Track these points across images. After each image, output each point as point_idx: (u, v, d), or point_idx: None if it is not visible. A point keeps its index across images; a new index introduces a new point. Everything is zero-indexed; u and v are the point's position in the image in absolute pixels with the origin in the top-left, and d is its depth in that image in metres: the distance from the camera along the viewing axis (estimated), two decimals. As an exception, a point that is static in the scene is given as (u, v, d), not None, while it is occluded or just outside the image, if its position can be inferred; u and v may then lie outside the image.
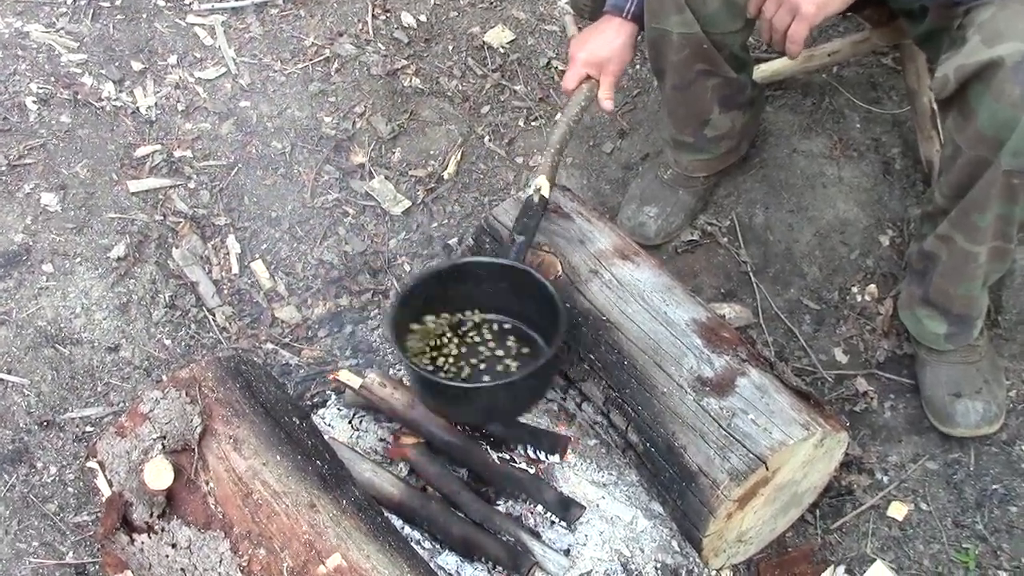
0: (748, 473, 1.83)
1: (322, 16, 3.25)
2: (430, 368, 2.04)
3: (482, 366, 2.07)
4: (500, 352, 2.09)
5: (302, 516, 1.69)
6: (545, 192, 2.10)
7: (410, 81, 3.11)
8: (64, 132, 2.85)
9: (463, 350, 2.10)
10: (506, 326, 2.14)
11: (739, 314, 2.55)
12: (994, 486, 2.25)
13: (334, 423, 2.22)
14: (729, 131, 2.56)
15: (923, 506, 2.25)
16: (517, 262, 2.03)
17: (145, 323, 2.54)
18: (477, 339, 2.12)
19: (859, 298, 2.58)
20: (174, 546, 1.70)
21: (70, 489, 2.24)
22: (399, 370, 2.42)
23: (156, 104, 2.98)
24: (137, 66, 3.06)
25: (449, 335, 2.11)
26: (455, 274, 2.09)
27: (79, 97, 2.93)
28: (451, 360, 2.07)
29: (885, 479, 2.30)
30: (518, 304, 2.10)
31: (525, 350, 2.10)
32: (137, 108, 2.96)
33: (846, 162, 2.76)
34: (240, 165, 2.89)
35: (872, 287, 2.59)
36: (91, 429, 2.34)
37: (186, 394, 1.82)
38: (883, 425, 2.39)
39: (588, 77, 2.24)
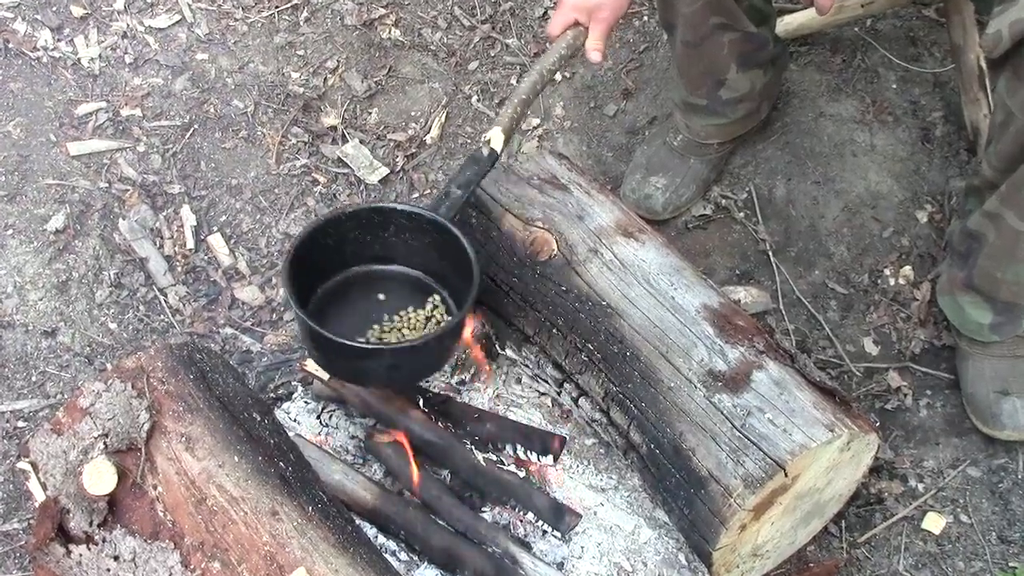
0: (765, 479, 1.83)
1: (289, -43, 3.23)
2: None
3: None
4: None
5: (262, 525, 1.69)
6: (497, 145, 2.08)
7: (389, 33, 3.09)
8: (-6, 87, 2.84)
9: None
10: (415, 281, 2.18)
11: (756, 299, 2.55)
12: (1044, 496, 2.27)
13: (300, 418, 2.22)
14: (748, 92, 2.55)
15: (963, 518, 2.25)
16: (447, 221, 2.04)
17: (87, 304, 2.53)
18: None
19: (892, 282, 2.58)
20: (116, 559, 1.69)
21: None
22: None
23: (100, 56, 2.96)
24: (78, 11, 3.03)
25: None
26: (375, 218, 2.12)
27: (11, 46, 2.91)
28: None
29: (920, 487, 2.30)
30: (437, 264, 2.13)
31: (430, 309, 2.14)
32: (78, 60, 2.94)
33: (880, 128, 2.76)
34: (196, 126, 2.88)
35: (907, 269, 2.59)
36: (23, 425, 2.34)
37: (132, 386, 1.81)
38: (918, 426, 2.40)
39: (576, 23, 2.22)
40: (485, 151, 2.08)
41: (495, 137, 2.08)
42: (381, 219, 2.11)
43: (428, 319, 2.10)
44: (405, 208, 2.12)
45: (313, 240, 2.05)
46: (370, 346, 2.02)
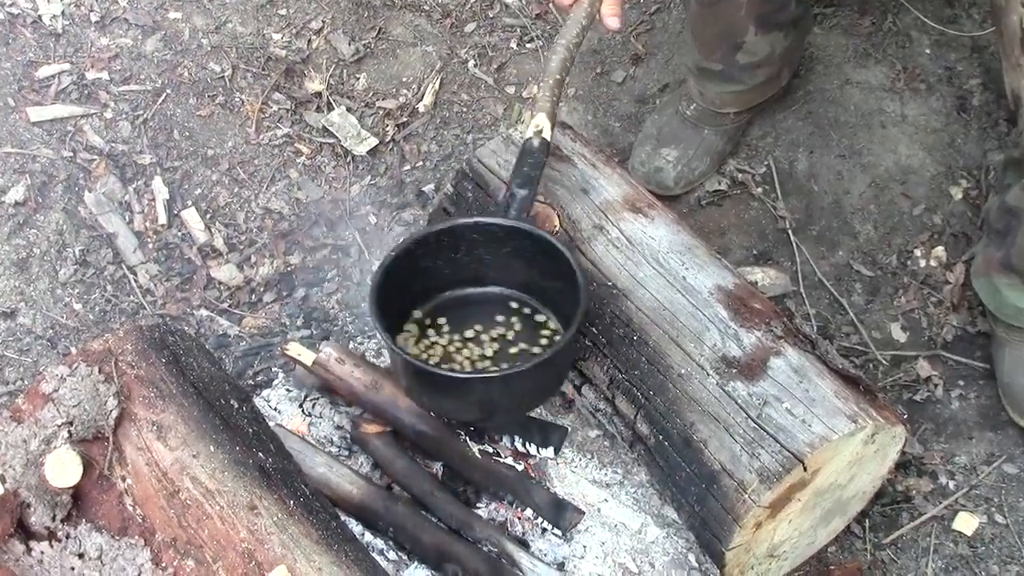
0: (782, 474, 1.84)
1: (271, -92, 3.22)
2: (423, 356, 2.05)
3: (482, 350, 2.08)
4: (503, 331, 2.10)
5: (240, 520, 1.69)
6: (547, 134, 2.09)
7: (378, -10, 3.10)
8: (-51, 47, 2.84)
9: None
10: (511, 303, 2.15)
11: (774, 280, 2.56)
12: (1086, 494, 2.28)
13: (281, 407, 2.23)
14: (767, 57, 2.55)
15: (998, 518, 2.26)
16: (523, 222, 2.03)
17: (50, 283, 2.53)
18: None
19: (923, 263, 2.59)
20: (81, 556, 1.69)
21: (-42, 484, 2.25)
22: (361, 343, 2.42)
23: (63, 13, 2.96)
24: (41, -34, 3.04)
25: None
26: (446, 239, 2.08)
27: (-35, 3, 2.92)
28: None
29: (951, 484, 2.31)
30: (523, 275, 2.11)
31: (532, 330, 2.10)
32: (39, 17, 2.94)
33: (911, 96, 2.76)
34: (169, 91, 2.88)
35: (939, 250, 2.59)
36: (-17, 412, 2.34)
37: (99, 370, 1.81)
38: (950, 418, 2.40)
39: None
40: (536, 141, 2.08)
41: (543, 125, 2.09)
42: (451, 240, 2.07)
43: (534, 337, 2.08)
44: (482, 221, 2.08)
45: (398, 266, 2.01)
46: (473, 375, 2.00)
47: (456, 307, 2.13)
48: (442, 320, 2.10)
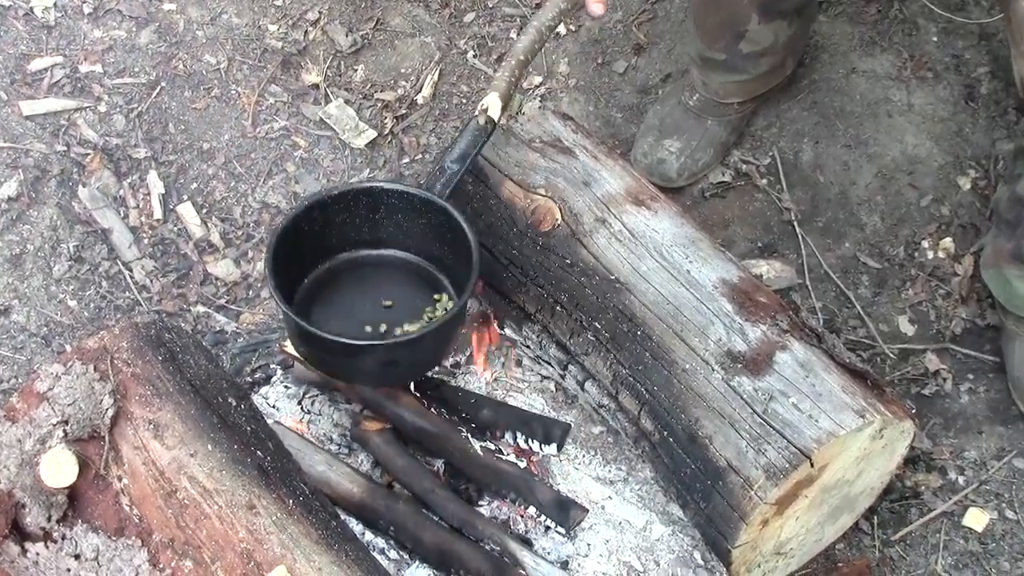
0: (789, 470, 1.84)
1: None
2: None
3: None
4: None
5: (238, 520, 1.69)
6: (494, 114, 2.09)
7: (376, -20, 3.09)
8: (-61, 39, 2.84)
9: None
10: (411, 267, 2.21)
11: (780, 274, 2.56)
12: (1099, 490, 2.28)
13: (280, 404, 2.23)
14: (771, 46, 2.54)
15: (1009, 514, 2.26)
16: (437, 196, 2.07)
17: (44, 280, 2.53)
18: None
19: (931, 255, 2.58)
20: (77, 557, 1.70)
21: (-48, 485, 2.25)
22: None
23: (56, 5, 2.96)
24: (32, -43, 3.03)
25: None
26: (363, 199, 2.13)
27: (-44, -5, 2.91)
28: None
29: (961, 480, 2.31)
30: (435, 246, 2.15)
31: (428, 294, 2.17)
32: (30, 9, 2.94)
33: (918, 85, 2.75)
34: (164, 84, 2.87)
35: (947, 241, 2.59)
36: (-23, 411, 2.34)
37: (95, 368, 1.82)
38: (959, 412, 2.40)
39: None
40: (481, 120, 2.09)
41: (492, 104, 2.09)
42: (370, 200, 2.13)
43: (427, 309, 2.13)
44: (396, 187, 2.13)
45: (297, 226, 2.06)
46: (365, 343, 2.04)
47: (354, 269, 2.19)
48: (342, 281, 2.17)
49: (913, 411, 2.37)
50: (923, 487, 2.29)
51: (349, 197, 2.12)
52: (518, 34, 3.00)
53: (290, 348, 2.21)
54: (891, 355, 2.47)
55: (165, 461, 1.74)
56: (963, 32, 2.81)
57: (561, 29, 2.95)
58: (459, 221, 2.04)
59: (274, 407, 2.22)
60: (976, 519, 2.25)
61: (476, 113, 2.09)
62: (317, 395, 2.24)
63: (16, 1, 2.94)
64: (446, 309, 2.10)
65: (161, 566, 1.66)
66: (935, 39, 2.82)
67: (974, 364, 2.46)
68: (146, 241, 2.65)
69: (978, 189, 2.63)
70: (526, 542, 2.00)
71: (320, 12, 3.02)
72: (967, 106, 2.72)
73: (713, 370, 1.95)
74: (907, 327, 2.51)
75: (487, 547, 1.97)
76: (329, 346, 1.98)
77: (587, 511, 2.01)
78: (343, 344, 1.97)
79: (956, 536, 2.24)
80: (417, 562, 1.99)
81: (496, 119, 2.09)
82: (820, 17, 2.84)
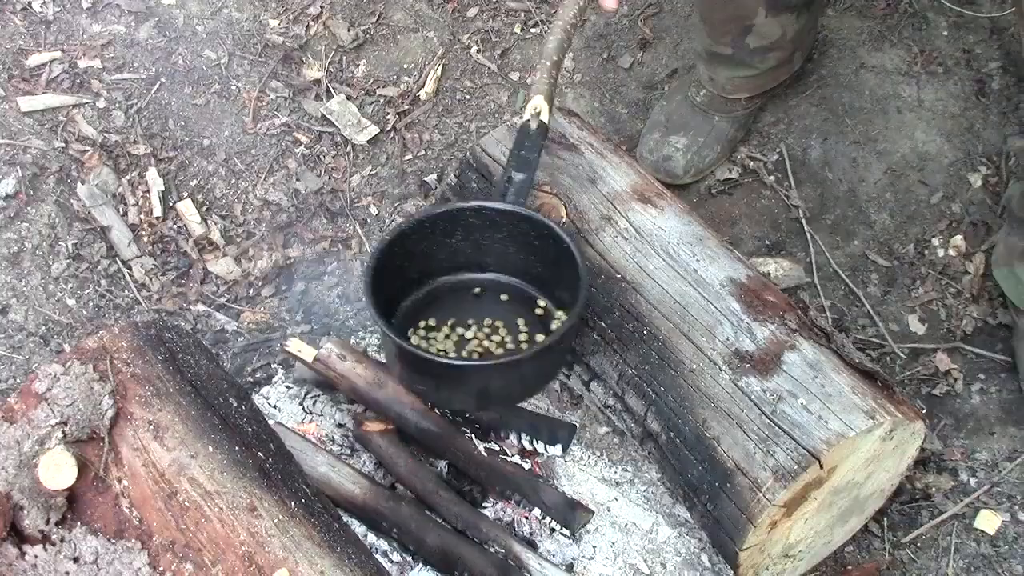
0: (797, 472, 1.84)
1: None
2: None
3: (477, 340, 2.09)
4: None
5: (240, 522, 1.69)
6: (544, 116, 2.10)
7: (378, -26, 3.09)
8: (-65, 34, 2.84)
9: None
10: (506, 288, 2.15)
11: (788, 272, 2.55)
12: (1113, 492, 2.27)
13: (281, 405, 2.23)
14: (778, 40, 2.54)
15: (1021, 516, 2.26)
16: (520, 207, 2.04)
17: (42, 278, 2.53)
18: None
19: (941, 253, 2.58)
20: (76, 560, 1.70)
21: (-51, 486, 2.25)
22: (363, 339, 2.42)
23: None
24: (30, -50, 3.03)
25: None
26: (446, 223, 2.09)
27: (-49, -12, 2.91)
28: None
29: (972, 481, 2.31)
30: (521, 261, 2.11)
31: (529, 317, 2.11)
32: (28, 3, 2.94)
33: (928, 80, 2.75)
34: (163, 79, 2.87)
35: (958, 239, 2.59)
36: (-26, 411, 2.34)
37: (94, 368, 1.82)
38: (970, 413, 2.40)
39: None
40: (533, 124, 2.09)
41: (541, 107, 2.10)
42: (448, 224, 2.09)
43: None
44: (482, 205, 2.09)
45: (387, 255, 2.03)
46: (471, 363, 2.01)
47: (452, 293, 2.15)
48: (438, 306, 2.12)
49: (923, 412, 2.37)
50: (934, 489, 2.29)
51: (427, 223, 2.09)
52: (522, 29, 3.01)
53: (292, 348, 2.21)
54: (901, 355, 2.46)
55: (165, 463, 1.74)
56: (974, 26, 2.81)
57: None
58: (554, 230, 2.02)
59: (275, 407, 2.22)
60: (988, 521, 2.24)
61: (527, 118, 2.10)
62: (319, 396, 2.25)
63: (14, -5, 2.94)
64: (557, 319, 2.07)
65: (161, 569, 1.66)
66: (945, 33, 2.81)
67: (985, 364, 2.45)
68: (145, 239, 2.65)
69: (989, 186, 2.63)
70: (531, 544, 2.00)
71: (321, 6, 3.02)
72: (978, 101, 2.72)
73: (721, 370, 1.95)
74: (917, 326, 2.51)
75: (491, 549, 1.97)
76: (436, 369, 1.95)
77: (593, 513, 2.01)
78: (450, 365, 1.95)
79: (967, 539, 2.24)
80: (420, 564, 2.00)
81: (547, 121, 2.10)
82: (828, 11, 2.84)
